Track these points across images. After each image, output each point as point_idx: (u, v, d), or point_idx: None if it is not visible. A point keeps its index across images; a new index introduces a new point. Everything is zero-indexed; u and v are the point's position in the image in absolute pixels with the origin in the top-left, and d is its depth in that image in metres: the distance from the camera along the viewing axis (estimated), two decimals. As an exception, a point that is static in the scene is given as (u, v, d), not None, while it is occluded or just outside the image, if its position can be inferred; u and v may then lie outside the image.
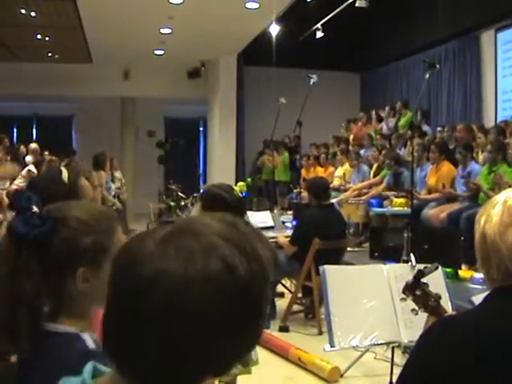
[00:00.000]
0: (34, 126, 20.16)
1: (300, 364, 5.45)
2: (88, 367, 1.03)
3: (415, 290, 2.60)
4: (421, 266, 2.93)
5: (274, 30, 12.42)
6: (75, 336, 1.53)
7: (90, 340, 1.53)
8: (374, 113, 14.02)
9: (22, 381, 1.50)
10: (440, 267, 3.56)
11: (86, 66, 16.75)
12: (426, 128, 11.73)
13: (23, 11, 11.95)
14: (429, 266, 2.79)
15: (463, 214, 7.81)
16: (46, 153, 13.99)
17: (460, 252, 7.38)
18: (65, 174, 2.67)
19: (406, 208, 8.90)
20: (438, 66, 9.39)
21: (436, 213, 8.58)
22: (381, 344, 4.20)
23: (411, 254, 4.30)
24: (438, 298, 2.57)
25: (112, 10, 11.62)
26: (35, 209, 1.54)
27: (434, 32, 13.04)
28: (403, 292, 2.65)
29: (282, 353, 5.71)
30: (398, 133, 12.22)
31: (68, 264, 1.56)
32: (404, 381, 1.73)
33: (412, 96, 13.61)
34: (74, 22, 12.63)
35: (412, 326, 3.87)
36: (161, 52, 15.59)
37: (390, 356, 4.39)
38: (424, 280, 2.64)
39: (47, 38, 14.18)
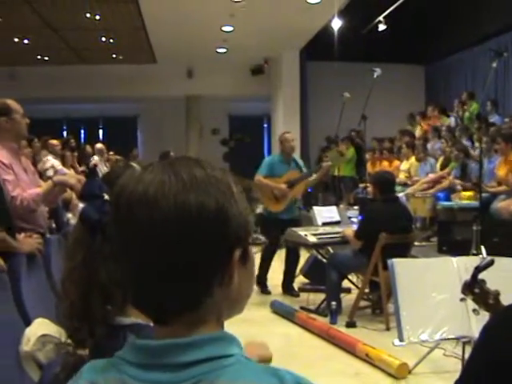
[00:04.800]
0: (101, 127, 20.58)
1: (367, 360, 5.39)
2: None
3: (473, 288, 2.54)
4: (492, 258, 2.85)
5: (336, 24, 12.31)
6: (143, 326, 1.51)
7: None
8: (437, 109, 13.75)
9: None
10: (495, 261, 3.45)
11: (150, 66, 16.98)
12: (495, 118, 11.42)
13: (88, 15, 12.20)
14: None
15: (535, 206, 7.61)
16: (111, 153, 14.26)
17: (532, 245, 7.19)
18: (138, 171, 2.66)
19: (474, 201, 8.72)
20: (505, 54, 9.17)
21: (506, 205, 8.37)
22: (451, 339, 4.12)
23: (482, 246, 4.20)
24: (496, 294, 2.51)
25: (174, 10, 11.74)
26: (106, 197, 1.55)
27: (501, 19, 12.71)
28: (462, 292, 2.60)
29: (349, 348, 5.66)
30: (463, 125, 11.97)
31: None
32: (468, 373, 1.69)
33: (478, 86, 13.31)
34: (137, 23, 12.83)
35: (484, 319, 3.77)
36: (223, 50, 15.67)
37: (459, 352, 4.29)
38: (481, 277, 2.58)
39: (111, 40, 14.44)
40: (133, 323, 1.54)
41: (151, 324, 1.51)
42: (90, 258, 1.52)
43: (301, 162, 8.35)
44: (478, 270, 2.60)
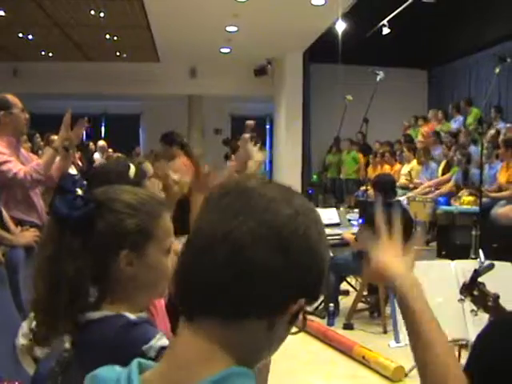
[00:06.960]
0: (103, 124, 20.57)
1: (364, 362, 5.39)
2: (134, 362, 1.01)
3: (472, 290, 2.55)
4: (492, 262, 2.85)
5: (340, 26, 12.29)
6: (113, 317, 1.52)
7: (131, 315, 1.52)
8: (440, 112, 13.79)
9: (75, 370, 1.50)
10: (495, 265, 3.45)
11: (154, 64, 17.00)
12: (500, 125, 11.37)
13: (93, 12, 12.21)
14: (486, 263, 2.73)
15: (535, 212, 7.61)
16: (110, 150, 14.27)
17: (531, 251, 7.18)
18: (132, 171, 2.64)
19: (474, 206, 8.71)
20: (509, 60, 9.17)
21: (506, 211, 8.37)
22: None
23: (480, 250, 4.20)
24: (496, 297, 2.51)
25: (178, 9, 11.74)
26: (79, 192, 1.54)
27: (505, 25, 12.70)
28: (461, 293, 2.60)
29: (346, 350, 5.66)
30: (466, 130, 11.96)
31: (112, 246, 1.56)
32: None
33: (481, 92, 13.30)
34: (141, 21, 12.83)
35: (480, 323, 3.76)
36: (227, 50, 15.67)
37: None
38: (480, 280, 2.58)
39: (115, 38, 14.45)
40: (102, 316, 1.53)
41: (123, 314, 1.52)
42: (59, 252, 1.51)
43: None
44: (478, 272, 2.60)
